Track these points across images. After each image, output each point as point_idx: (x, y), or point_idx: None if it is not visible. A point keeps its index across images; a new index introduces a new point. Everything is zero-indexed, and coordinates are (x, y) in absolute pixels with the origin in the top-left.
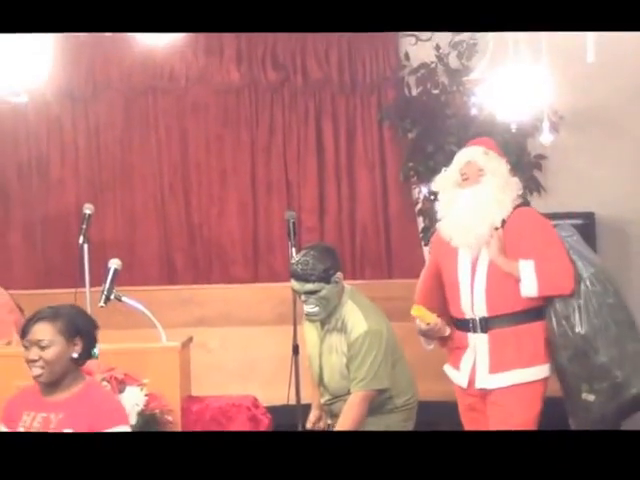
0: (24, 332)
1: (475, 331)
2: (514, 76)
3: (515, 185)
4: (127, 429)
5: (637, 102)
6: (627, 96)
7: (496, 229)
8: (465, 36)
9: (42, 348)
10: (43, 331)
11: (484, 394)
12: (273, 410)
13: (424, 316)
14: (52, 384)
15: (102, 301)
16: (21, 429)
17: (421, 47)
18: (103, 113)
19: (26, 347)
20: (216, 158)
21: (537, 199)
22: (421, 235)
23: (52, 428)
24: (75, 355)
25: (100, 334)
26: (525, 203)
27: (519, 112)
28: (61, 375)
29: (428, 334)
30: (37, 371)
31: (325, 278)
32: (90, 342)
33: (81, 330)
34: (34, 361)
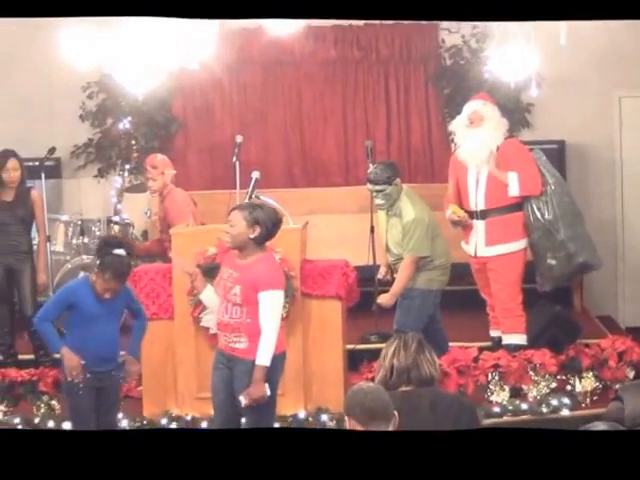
0: (229, 214)
1: (477, 219)
2: (512, 53)
3: (505, 123)
4: (280, 293)
5: (592, 68)
6: (586, 65)
7: (492, 152)
8: (481, 27)
9: (231, 226)
10: (234, 215)
11: (485, 261)
12: (358, 268)
13: (457, 211)
14: (238, 251)
15: (247, 199)
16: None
17: (452, 35)
18: (249, 77)
19: None
20: (320, 106)
21: (527, 132)
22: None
23: (229, 281)
24: (252, 236)
25: None
26: (512, 136)
27: (516, 75)
28: (241, 246)
29: (458, 223)
30: (226, 238)
31: (388, 182)
32: (267, 232)
33: (259, 222)
34: (227, 233)
